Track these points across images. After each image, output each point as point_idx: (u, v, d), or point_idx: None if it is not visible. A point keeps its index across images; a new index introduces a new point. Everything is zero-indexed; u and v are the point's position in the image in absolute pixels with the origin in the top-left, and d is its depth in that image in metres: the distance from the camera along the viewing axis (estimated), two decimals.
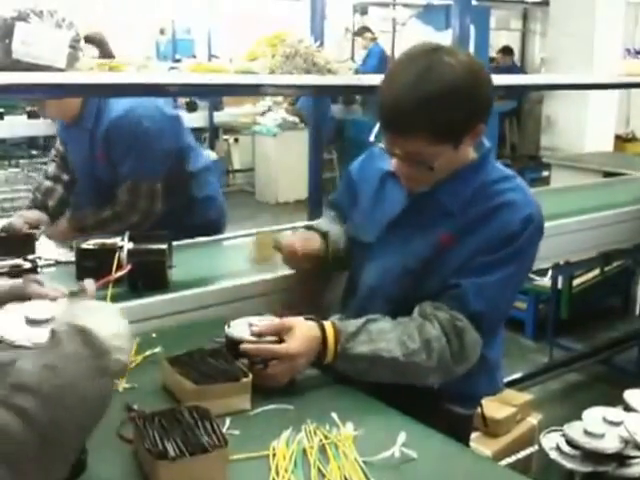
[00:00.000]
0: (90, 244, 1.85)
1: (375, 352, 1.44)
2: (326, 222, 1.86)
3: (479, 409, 1.80)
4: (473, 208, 1.53)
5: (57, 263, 1.95)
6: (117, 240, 1.87)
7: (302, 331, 1.43)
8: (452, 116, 1.43)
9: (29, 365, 0.88)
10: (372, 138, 4.74)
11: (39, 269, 1.77)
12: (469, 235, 1.52)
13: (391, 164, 1.57)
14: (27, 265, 1.69)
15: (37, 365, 0.88)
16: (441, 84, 1.41)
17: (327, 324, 1.47)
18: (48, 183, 2.60)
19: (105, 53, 2.30)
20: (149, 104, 2.35)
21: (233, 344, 1.44)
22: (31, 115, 5.93)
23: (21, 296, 1.12)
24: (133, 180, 2.37)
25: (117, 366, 0.94)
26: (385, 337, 1.46)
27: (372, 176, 1.73)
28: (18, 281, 1.16)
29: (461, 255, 1.51)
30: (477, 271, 1.49)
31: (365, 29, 9.46)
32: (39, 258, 1.81)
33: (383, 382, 1.48)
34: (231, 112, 8.61)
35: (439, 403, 1.61)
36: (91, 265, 1.81)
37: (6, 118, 6.28)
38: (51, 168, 2.64)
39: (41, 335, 0.97)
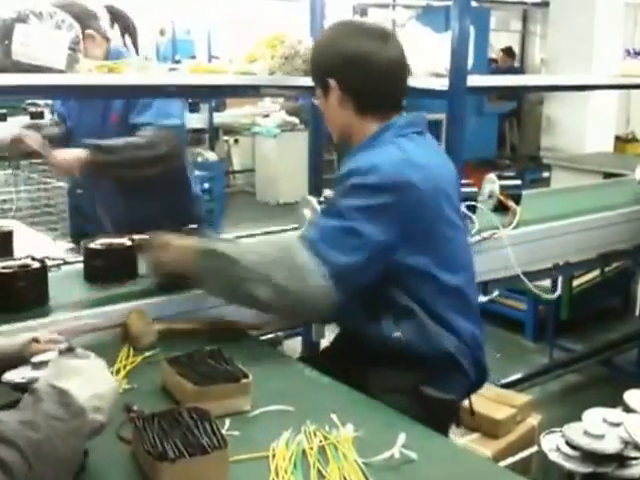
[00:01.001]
0: (98, 244, 1.86)
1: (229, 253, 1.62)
2: None
3: (467, 403, 1.80)
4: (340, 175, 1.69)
5: (65, 263, 1.96)
6: (124, 240, 1.88)
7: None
8: (311, 62, 1.81)
9: (9, 418, 0.96)
10: None
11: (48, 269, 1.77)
12: None
13: None
14: (36, 265, 1.68)
15: (16, 420, 0.95)
16: (319, 37, 1.91)
17: None
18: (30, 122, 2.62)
19: (124, 26, 2.30)
20: None
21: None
22: (33, 116, 5.93)
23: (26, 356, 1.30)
24: (157, 126, 2.33)
25: (93, 424, 1.03)
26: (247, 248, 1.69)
27: None
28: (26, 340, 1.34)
29: None
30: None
31: None
32: (48, 258, 1.81)
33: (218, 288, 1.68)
34: (231, 113, 8.62)
35: (418, 387, 1.64)
36: (99, 265, 1.83)
37: (9, 119, 6.29)
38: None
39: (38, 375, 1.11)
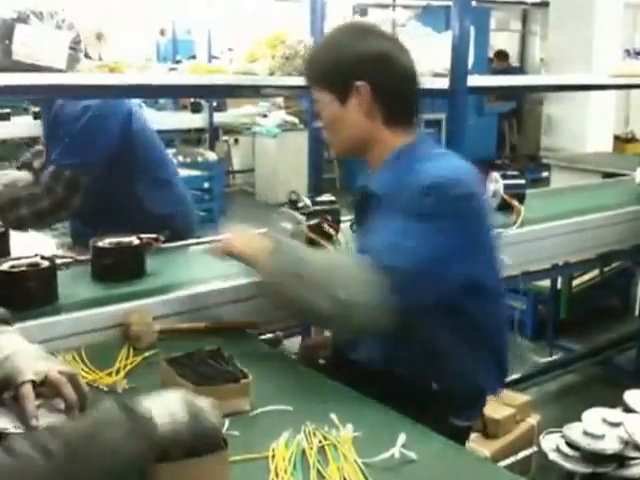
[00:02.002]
0: (106, 243, 1.87)
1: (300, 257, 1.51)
2: None
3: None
4: (400, 191, 1.51)
5: (75, 262, 1.96)
6: (133, 239, 1.88)
7: None
8: (325, 65, 1.59)
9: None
10: None
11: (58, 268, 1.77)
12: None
13: None
14: (45, 263, 1.68)
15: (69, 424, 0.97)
16: (325, 40, 1.69)
17: None
18: (39, 147, 2.58)
19: None
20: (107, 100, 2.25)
21: None
22: (37, 116, 5.95)
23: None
24: (58, 165, 2.27)
25: (149, 425, 0.96)
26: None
27: None
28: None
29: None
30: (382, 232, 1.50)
31: None
32: (56, 256, 1.81)
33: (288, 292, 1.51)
34: (231, 113, 8.62)
35: (442, 415, 1.58)
36: (107, 263, 1.83)
37: (12, 119, 6.34)
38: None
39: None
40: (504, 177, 2.61)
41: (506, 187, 2.56)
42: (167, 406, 1.02)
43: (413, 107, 1.63)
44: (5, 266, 1.67)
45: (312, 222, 2.06)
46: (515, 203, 2.50)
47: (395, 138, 1.59)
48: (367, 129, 1.58)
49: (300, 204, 2.18)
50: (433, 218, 1.45)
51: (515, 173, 2.78)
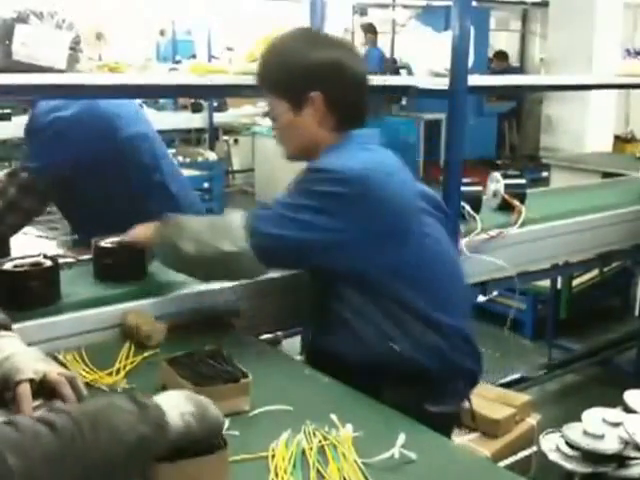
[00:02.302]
0: (108, 242, 1.87)
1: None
2: None
3: (467, 404, 1.79)
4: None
5: (77, 261, 1.96)
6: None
7: None
8: (279, 73, 1.64)
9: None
10: None
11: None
12: None
13: None
14: (48, 263, 1.68)
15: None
16: (277, 47, 1.68)
17: None
18: None
19: None
20: (82, 101, 2.25)
21: None
22: None
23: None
24: (14, 168, 2.29)
25: (158, 413, 0.97)
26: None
27: None
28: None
29: None
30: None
31: (372, 27, 9.36)
32: (59, 256, 1.81)
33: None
34: (231, 113, 8.61)
35: (422, 405, 1.58)
36: (109, 263, 1.83)
37: (13, 119, 6.33)
38: None
39: None
40: (505, 177, 2.62)
41: (507, 187, 2.56)
42: (173, 399, 1.03)
43: (363, 111, 1.70)
44: (8, 265, 1.67)
45: None
46: (516, 203, 2.50)
47: (334, 139, 1.65)
48: (319, 135, 1.65)
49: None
50: (307, 195, 1.56)
51: (516, 173, 2.78)
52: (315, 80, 1.61)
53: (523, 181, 2.68)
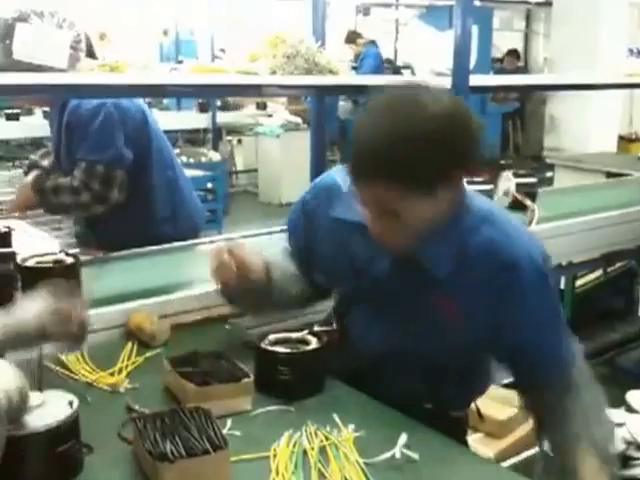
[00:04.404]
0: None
1: None
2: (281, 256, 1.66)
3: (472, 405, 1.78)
4: (466, 272, 1.36)
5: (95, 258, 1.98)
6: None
7: None
8: (415, 162, 1.23)
9: None
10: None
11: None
12: (475, 301, 1.38)
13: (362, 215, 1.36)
14: (70, 260, 1.67)
15: None
16: (407, 129, 1.24)
17: None
18: (46, 148, 2.61)
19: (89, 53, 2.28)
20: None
21: None
22: (47, 115, 5.96)
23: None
24: (89, 161, 2.27)
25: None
26: None
27: (324, 218, 1.54)
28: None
29: (485, 325, 1.40)
30: (538, 332, 1.49)
31: (355, 34, 8.87)
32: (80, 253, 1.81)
33: None
34: (234, 113, 8.62)
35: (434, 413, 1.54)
36: None
37: (22, 119, 6.36)
38: None
39: None
40: (516, 176, 2.61)
41: (518, 186, 2.55)
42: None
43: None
44: (31, 262, 1.66)
45: None
46: (528, 202, 2.50)
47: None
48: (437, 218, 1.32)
49: None
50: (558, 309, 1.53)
51: (526, 172, 2.77)
52: (460, 156, 1.30)
53: (534, 180, 2.68)
